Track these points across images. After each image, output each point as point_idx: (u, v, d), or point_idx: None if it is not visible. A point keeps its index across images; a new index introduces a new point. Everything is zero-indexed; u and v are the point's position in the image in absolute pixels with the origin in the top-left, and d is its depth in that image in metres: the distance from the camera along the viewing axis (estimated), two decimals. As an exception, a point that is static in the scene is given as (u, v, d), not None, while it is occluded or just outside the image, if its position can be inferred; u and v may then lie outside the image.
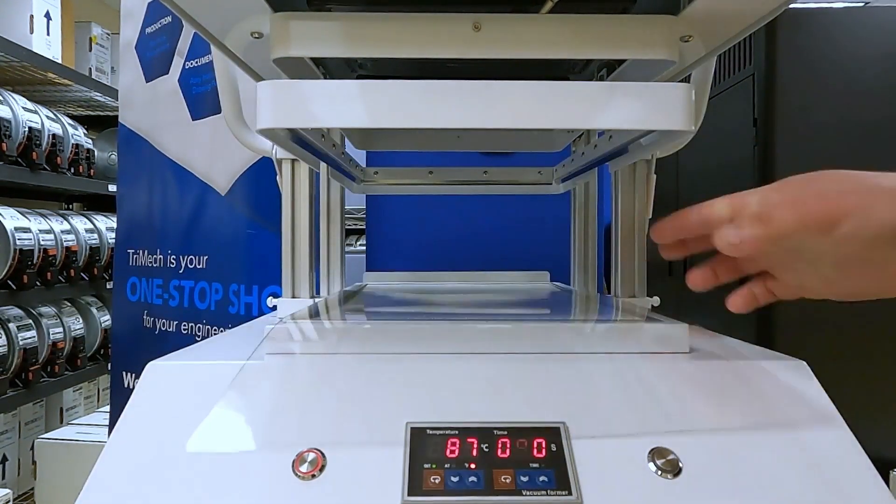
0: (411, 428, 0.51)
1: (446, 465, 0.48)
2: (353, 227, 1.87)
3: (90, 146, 2.90)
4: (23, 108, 2.44)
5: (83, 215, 2.87)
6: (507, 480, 0.48)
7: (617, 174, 0.88)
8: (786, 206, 0.52)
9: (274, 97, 0.56)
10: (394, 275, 1.34)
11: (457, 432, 0.50)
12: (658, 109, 0.55)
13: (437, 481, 0.48)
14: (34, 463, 2.41)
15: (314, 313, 0.74)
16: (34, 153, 2.44)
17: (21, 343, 2.37)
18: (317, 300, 0.87)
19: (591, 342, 0.62)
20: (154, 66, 1.74)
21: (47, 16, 2.67)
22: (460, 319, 0.76)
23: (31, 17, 2.57)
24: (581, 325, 0.68)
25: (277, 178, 0.87)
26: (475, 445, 0.50)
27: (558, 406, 0.53)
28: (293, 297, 0.87)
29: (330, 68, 0.76)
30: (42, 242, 2.45)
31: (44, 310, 2.60)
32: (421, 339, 0.60)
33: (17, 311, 2.46)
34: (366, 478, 0.48)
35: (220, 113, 1.53)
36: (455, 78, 0.57)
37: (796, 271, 0.57)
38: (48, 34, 2.67)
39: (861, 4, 1.31)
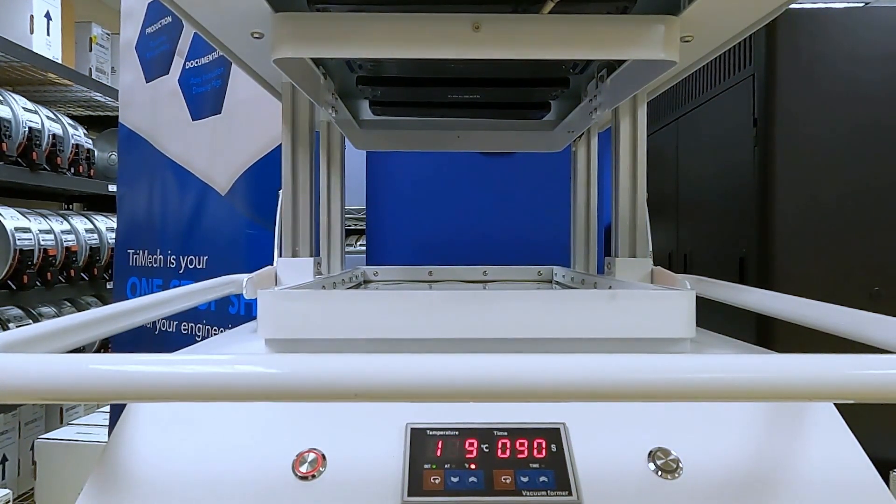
0: (411, 428, 0.51)
1: (446, 466, 0.48)
2: (354, 227, 1.86)
3: (90, 146, 2.90)
4: (23, 108, 2.44)
5: (83, 215, 2.87)
6: (508, 481, 0.47)
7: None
8: None
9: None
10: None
11: (457, 433, 0.50)
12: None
13: (437, 481, 0.47)
14: (34, 463, 2.41)
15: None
16: (34, 153, 2.44)
17: (21, 343, 2.36)
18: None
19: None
20: (154, 66, 1.74)
21: (47, 16, 2.67)
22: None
23: (31, 17, 2.57)
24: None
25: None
26: (475, 446, 0.50)
27: (558, 406, 0.53)
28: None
29: (330, 68, 0.76)
30: (42, 242, 2.46)
31: (44, 310, 2.59)
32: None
33: (17, 311, 2.46)
34: (366, 478, 0.48)
35: (220, 113, 1.54)
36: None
37: None
38: (48, 34, 2.67)
39: (861, 4, 1.31)
